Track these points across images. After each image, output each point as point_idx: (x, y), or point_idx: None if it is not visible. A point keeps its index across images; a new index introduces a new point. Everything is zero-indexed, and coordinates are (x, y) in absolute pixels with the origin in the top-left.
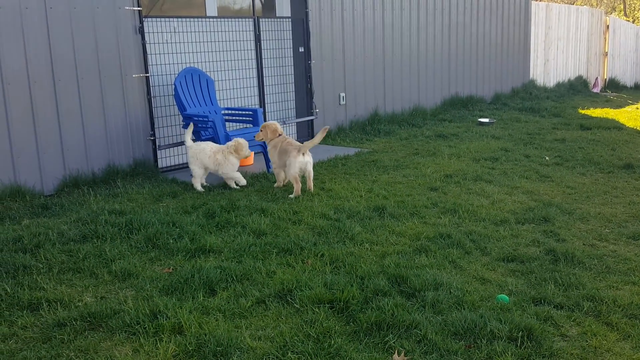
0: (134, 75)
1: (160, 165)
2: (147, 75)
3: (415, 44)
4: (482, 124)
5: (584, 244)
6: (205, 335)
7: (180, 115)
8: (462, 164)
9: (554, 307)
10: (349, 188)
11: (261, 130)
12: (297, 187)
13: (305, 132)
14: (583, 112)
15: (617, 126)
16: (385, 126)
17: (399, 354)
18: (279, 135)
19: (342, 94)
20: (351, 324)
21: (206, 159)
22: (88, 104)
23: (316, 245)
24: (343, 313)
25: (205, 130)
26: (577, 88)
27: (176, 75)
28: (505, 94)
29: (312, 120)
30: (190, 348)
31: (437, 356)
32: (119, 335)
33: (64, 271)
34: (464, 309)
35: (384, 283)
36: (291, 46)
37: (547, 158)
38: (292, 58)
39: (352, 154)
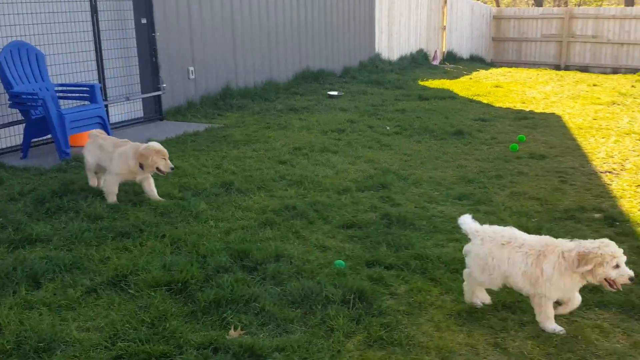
0: None
1: None
2: None
3: (265, 17)
4: (331, 96)
5: (415, 207)
6: (26, 331)
7: (7, 94)
8: (311, 137)
9: (385, 268)
10: (197, 165)
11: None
12: None
13: (152, 108)
14: (422, 83)
15: (451, 96)
16: (238, 101)
17: (235, 329)
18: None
19: (191, 68)
20: (189, 304)
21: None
22: None
23: (158, 226)
24: (181, 294)
25: (35, 109)
26: (419, 61)
27: (0, 50)
28: (354, 68)
29: (159, 95)
30: (9, 347)
31: (274, 326)
32: None
33: None
34: (302, 278)
35: (226, 259)
36: (132, 17)
37: (388, 128)
38: (134, 30)
39: (203, 130)
